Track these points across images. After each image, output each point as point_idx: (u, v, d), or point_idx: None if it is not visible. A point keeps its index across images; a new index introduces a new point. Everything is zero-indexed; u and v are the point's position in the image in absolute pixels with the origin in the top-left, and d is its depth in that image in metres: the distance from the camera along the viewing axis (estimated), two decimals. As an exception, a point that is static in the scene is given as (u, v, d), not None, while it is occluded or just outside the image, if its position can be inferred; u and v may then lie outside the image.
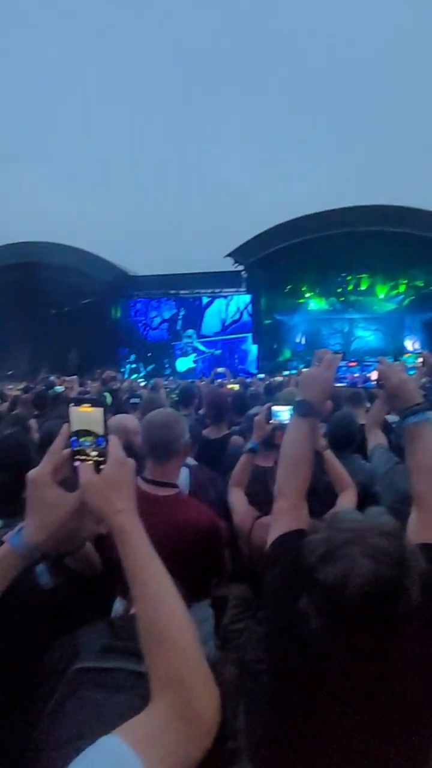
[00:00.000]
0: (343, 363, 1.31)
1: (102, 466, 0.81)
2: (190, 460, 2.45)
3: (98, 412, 0.82)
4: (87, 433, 0.82)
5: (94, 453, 0.81)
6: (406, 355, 3.10)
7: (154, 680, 0.68)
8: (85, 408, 0.83)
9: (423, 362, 2.45)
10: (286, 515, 1.16)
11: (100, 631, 0.96)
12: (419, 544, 1.03)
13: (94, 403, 0.83)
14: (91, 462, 0.81)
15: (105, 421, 0.82)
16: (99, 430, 0.82)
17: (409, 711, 0.90)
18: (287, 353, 18.98)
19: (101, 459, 0.81)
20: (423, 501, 1.15)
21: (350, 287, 19.16)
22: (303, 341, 19.98)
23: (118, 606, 1.21)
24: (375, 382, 1.28)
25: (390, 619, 0.83)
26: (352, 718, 0.88)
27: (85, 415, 0.82)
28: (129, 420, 2.63)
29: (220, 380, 8.09)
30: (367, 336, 19.99)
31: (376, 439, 2.30)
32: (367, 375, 1.29)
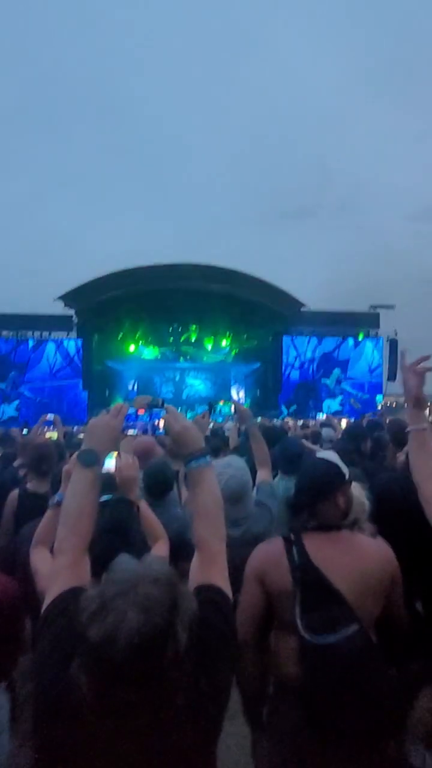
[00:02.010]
0: (132, 411, 1.32)
1: None
2: None
3: None
4: None
5: None
6: (221, 403, 3.30)
7: None
8: None
9: (235, 410, 2.60)
10: (64, 574, 1.09)
11: None
12: (198, 586, 1.08)
13: None
14: None
15: None
16: None
17: (184, 761, 0.90)
18: (119, 400, 18.85)
19: None
20: (202, 544, 1.18)
21: (182, 338, 20.12)
22: (135, 388, 20.14)
23: None
24: (163, 430, 1.31)
25: (158, 669, 0.82)
26: None
27: None
28: None
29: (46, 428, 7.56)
30: (197, 384, 21.10)
31: (263, 477, 2.37)
32: (156, 422, 1.32)
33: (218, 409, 2.62)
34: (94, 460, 1.19)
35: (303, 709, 1.51)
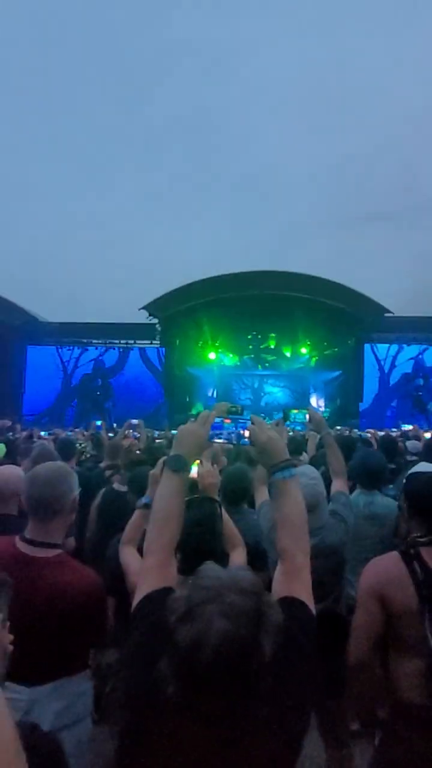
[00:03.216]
0: (218, 420, 1.36)
1: None
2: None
3: None
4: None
5: None
6: (295, 411, 3.26)
7: None
8: None
9: (309, 419, 2.58)
10: (153, 574, 1.14)
11: None
12: (281, 598, 1.08)
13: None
14: None
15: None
16: None
17: None
18: (199, 406, 19.19)
19: None
20: (286, 555, 1.18)
21: (261, 345, 20.13)
22: (215, 395, 20.39)
23: None
24: (248, 440, 1.32)
25: (244, 678, 0.83)
26: None
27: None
28: (13, 474, 2.48)
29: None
30: (275, 392, 20.94)
31: (263, 496, 2.36)
32: (241, 432, 1.34)
33: (293, 416, 2.60)
34: (182, 465, 1.24)
35: (428, 734, 1.43)
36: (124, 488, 3.32)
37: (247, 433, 1.33)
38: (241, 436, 1.38)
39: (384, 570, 1.63)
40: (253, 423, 1.32)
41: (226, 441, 1.36)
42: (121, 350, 19.34)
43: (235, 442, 1.36)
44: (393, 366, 18.00)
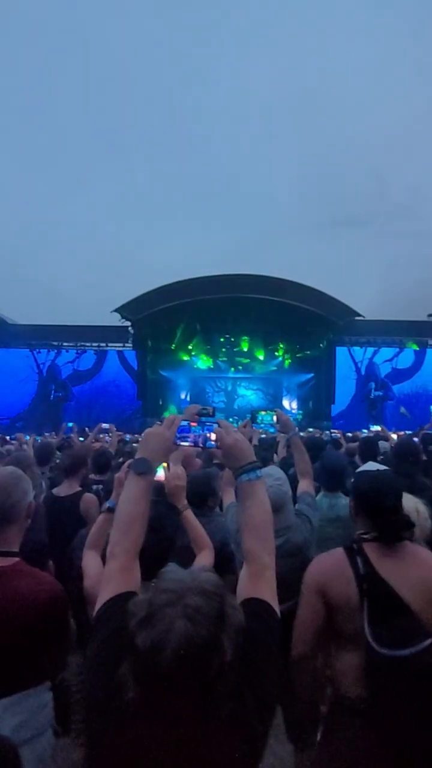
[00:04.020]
0: (185, 423, 1.35)
1: None
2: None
3: None
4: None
5: None
6: (262, 413, 3.25)
7: None
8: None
9: (277, 420, 2.58)
10: (116, 578, 1.11)
11: None
12: (245, 599, 1.08)
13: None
14: None
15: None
16: None
17: None
18: (172, 409, 19.14)
19: None
20: (252, 556, 1.17)
21: (235, 348, 20.22)
22: (188, 398, 20.39)
23: None
24: (214, 442, 1.31)
25: (205, 679, 0.82)
26: None
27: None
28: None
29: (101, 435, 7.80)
30: (248, 395, 21.08)
31: (230, 498, 2.35)
32: (207, 435, 1.33)
33: (260, 418, 2.60)
34: (146, 468, 1.23)
35: (366, 726, 1.46)
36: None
37: (213, 436, 1.32)
38: (207, 439, 1.38)
39: (327, 565, 1.66)
40: (219, 426, 1.32)
41: (192, 444, 1.35)
42: (94, 353, 19.08)
43: (201, 445, 1.36)
44: (366, 368, 18.30)
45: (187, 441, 1.36)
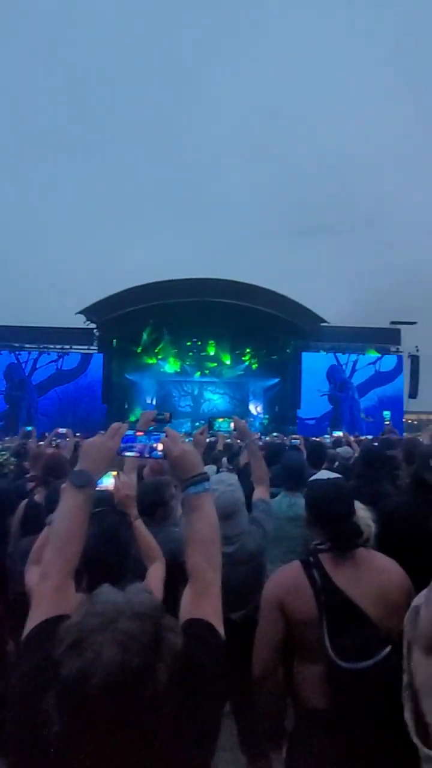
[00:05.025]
0: (130, 432, 1.29)
1: None
2: None
3: None
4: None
5: None
6: (219, 420, 3.23)
7: None
8: None
9: (234, 427, 2.56)
10: (47, 600, 1.03)
11: None
12: (186, 621, 1.02)
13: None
14: None
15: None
16: None
17: None
18: (138, 413, 18.92)
19: None
20: (196, 572, 1.12)
21: (202, 353, 20.20)
22: (154, 402, 20.23)
23: None
24: (161, 453, 1.26)
25: (136, 710, 0.75)
26: None
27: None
28: None
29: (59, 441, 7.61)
30: (215, 399, 21.08)
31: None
32: (154, 445, 1.27)
33: (217, 425, 2.58)
34: (86, 481, 1.16)
35: (331, 739, 1.44)
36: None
37: (160, 446, 1.26)
38: (153, 449, 1.33)
39: (284, 579, 1.64)
40: (166, 435, 1.26)
41: (138, 454, 1.29)
42: (56, 356, 18.61)
43: (147, 455, 1.30)
44: (330, 374, 18.51)
45: (132, 451, 1.30)
